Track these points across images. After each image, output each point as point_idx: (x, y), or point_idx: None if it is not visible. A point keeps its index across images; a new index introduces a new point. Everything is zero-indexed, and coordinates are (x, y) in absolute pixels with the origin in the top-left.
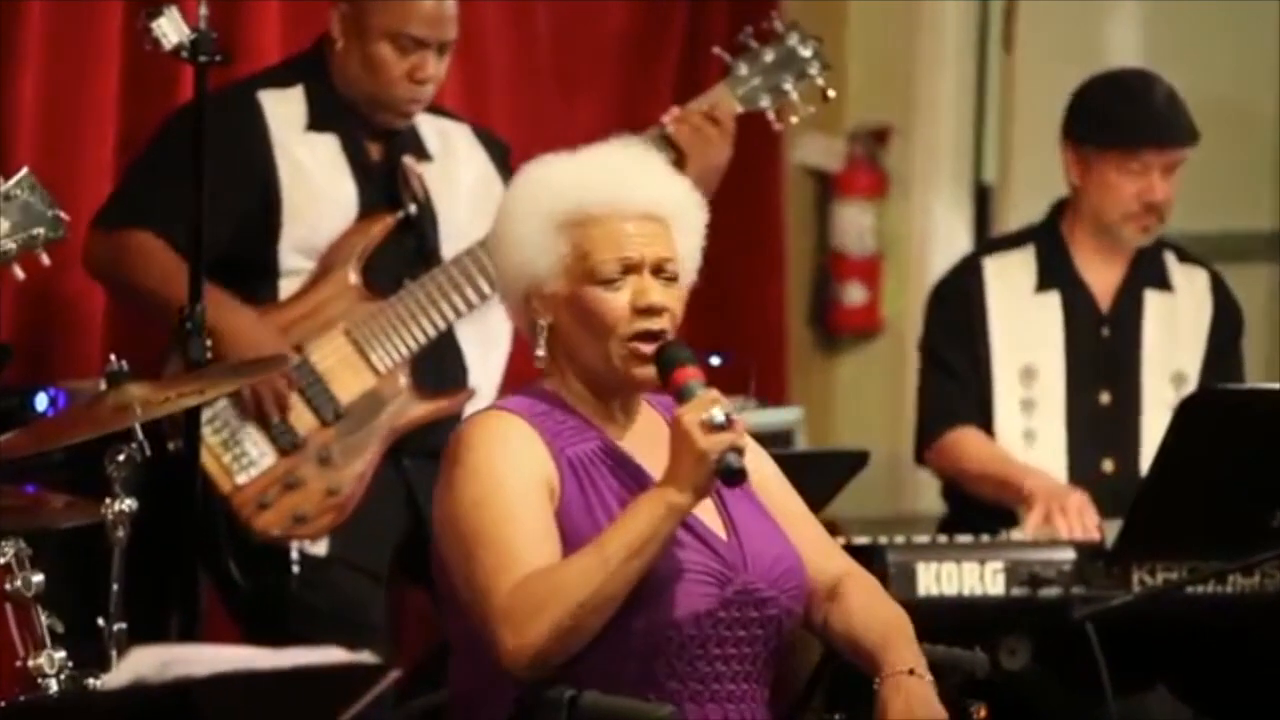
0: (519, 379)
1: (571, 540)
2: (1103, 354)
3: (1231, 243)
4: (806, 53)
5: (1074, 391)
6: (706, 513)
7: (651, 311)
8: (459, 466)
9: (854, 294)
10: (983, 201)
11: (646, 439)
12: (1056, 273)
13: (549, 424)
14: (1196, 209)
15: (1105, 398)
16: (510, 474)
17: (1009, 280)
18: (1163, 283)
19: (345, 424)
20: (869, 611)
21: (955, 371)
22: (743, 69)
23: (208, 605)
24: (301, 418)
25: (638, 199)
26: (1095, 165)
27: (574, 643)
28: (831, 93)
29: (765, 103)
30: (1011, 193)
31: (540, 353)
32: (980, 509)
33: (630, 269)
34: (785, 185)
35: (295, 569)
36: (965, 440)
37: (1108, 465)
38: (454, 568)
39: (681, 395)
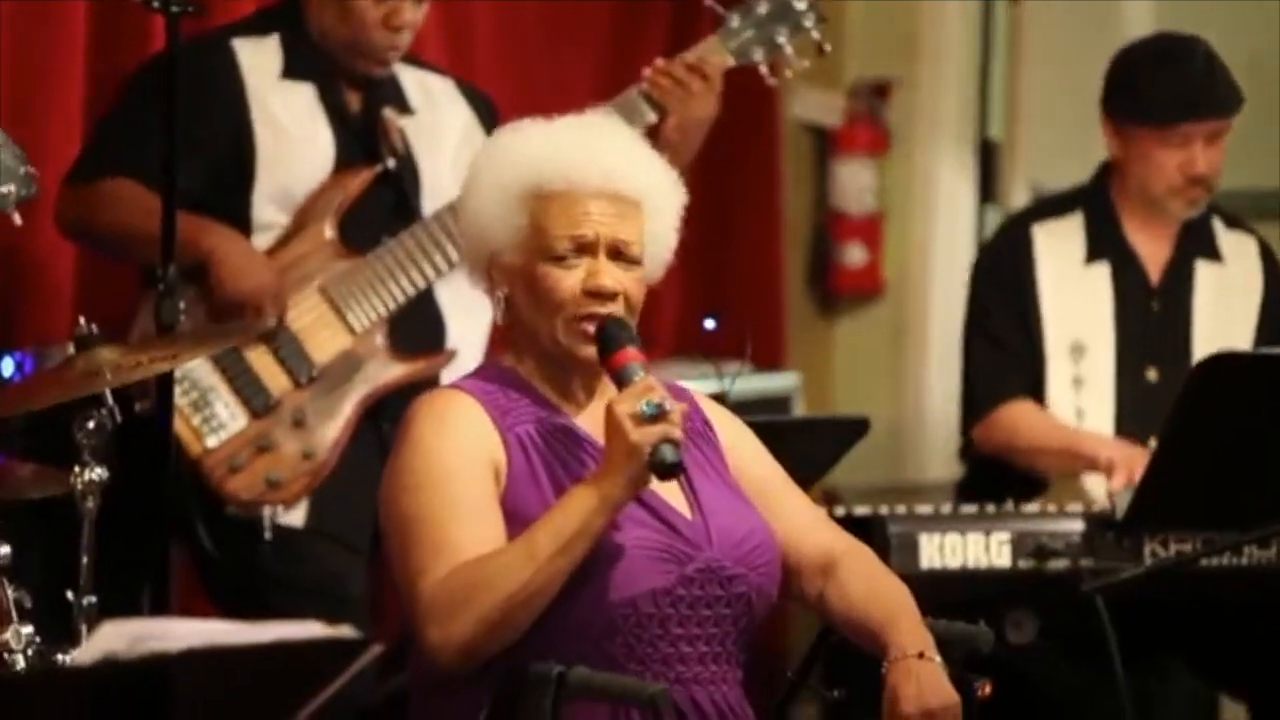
0: None
1: (519, 521)
2: (1152, 328)
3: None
4: (802, 5)
5: (1122, 368)
6: (670, 490)
7: (601, 294)
8: (404, 446)
9: (854, 255)
10: (988, 159)
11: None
12: (1106, 243)
13: (499, 401)
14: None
15: (1153, 375)
16: (452, 456)
17: (1058, 250)
18: (1213, 253)
19: (320, 385)
20: (869, 589)
21: (1005, 343)
22: (735, 21)
23: (181, 578)
24: (275, 378)
25: (600, 177)
26: (1134, 140)
27: (501, 637)
28: (827, 46)
29: (758, 56)
30: (1018, 150)
31: (499, 321)
32: (1000, 472)
33: (585, 248)
34: (782, 142)
35: (268, 536)
36: (1019, 414)
37: (1155, 444)
38: (391, 555)
39: (620, 379)
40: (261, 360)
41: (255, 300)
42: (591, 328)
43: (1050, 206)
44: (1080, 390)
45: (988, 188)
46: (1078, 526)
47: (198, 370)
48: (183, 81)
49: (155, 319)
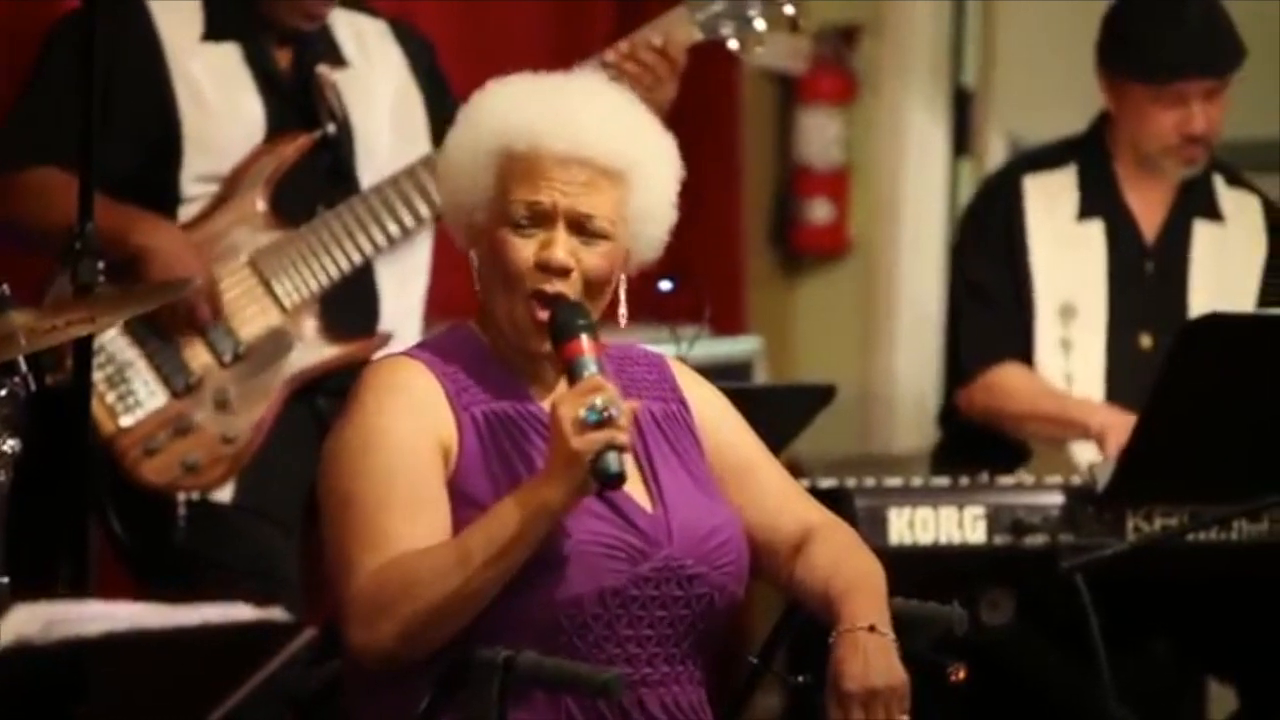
0: (441, 312)
1: (468, 507)
2: (1146, 292)
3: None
4: None
5: (1113, 333)
6: (631, 482)
7: (549, 269)
8: (346, 418)
9: (819, 211)
10: (962, 108)
11: None
12: (1100, 199)
13: (459, 377)
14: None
15: (1146, 341)
16: (399, 435)
17: (1050, 204)
18: (1212, 212)
19: (245, 365)
20: (834, 561)
21: (994, 300)
22: None
23: (102, 557)
24: (197, 356)
25: (567, 142)
26: (1129, 95)
27: (426, 644)
28: (802, 23)
29: (727, 30)
30: (994, 98)
31: (477, 286)
32: (981, 438)
33: (542, 217)
34: (741, 90)
35: (182, 523)
36: (1009, 377)
37: None
38: (325, 532)
39: (570, 372)
40: (184, 336)
41: (188, 298)
42: (543, 314)
43: (1043, 157)
44: (1069, 354)
45: (961, 139)
46: (1057, 500)
47: (115, 344)
48: (101, 49)
49: (71, 281)
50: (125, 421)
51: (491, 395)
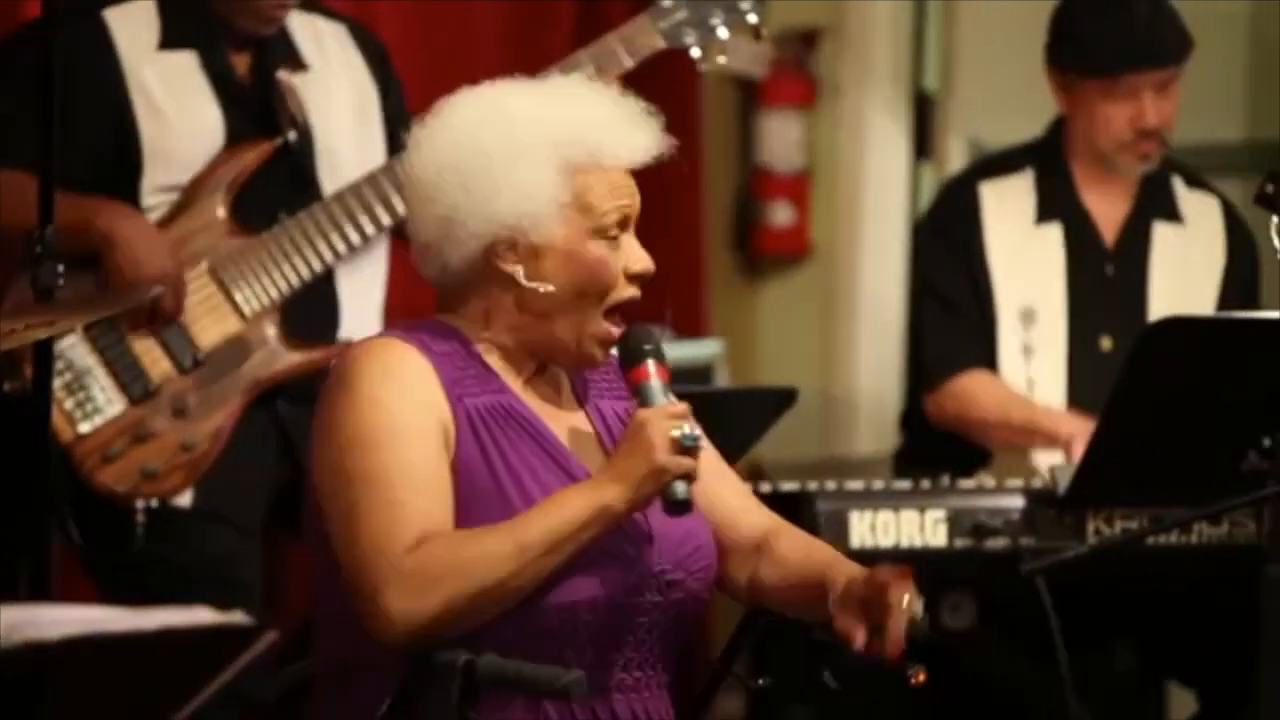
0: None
1: (470, 500)
2: (1105, 294)
3: (1201, 155)
4: None
5: (1074, 336)
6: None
7: (641, 278)
8: (346, 397)
9: (780, 214)
10: (923, 112)
11: (550, 403)
12: (1058, 202)
13: (449, 368)
14: None
15: (1106, 344)
16: (405, 413)
17: (1008, 209)
18: (1172, 214)
19: (204, 372)
20: (806, 550)
21: (957, 307)
22: (668, 0)
23: (62, 561)
24: (156, 363)
25: (640, 149)
26: (1080, 92)
27: (464, 625)
28: (765, 32)
29: (690, 39)
30: (956, 101)
31: (514, 305)
32: (944, 442)
33: (624, 226)
34: (703, 93)
35: (139, 531)
36: (976, 385)
37: None
38: (334, 514)
39: (642, 392)
40: (143, 343)
41: (156, 285)
42: (616, 331)
43: (999, 163)
44: (1030, 359)
45: (922, 143)
46: (1018, 503)
47: (75, 350)
48: (57, 60)
49: (32, 285)
50: (83, 428)
51: (479, 390)
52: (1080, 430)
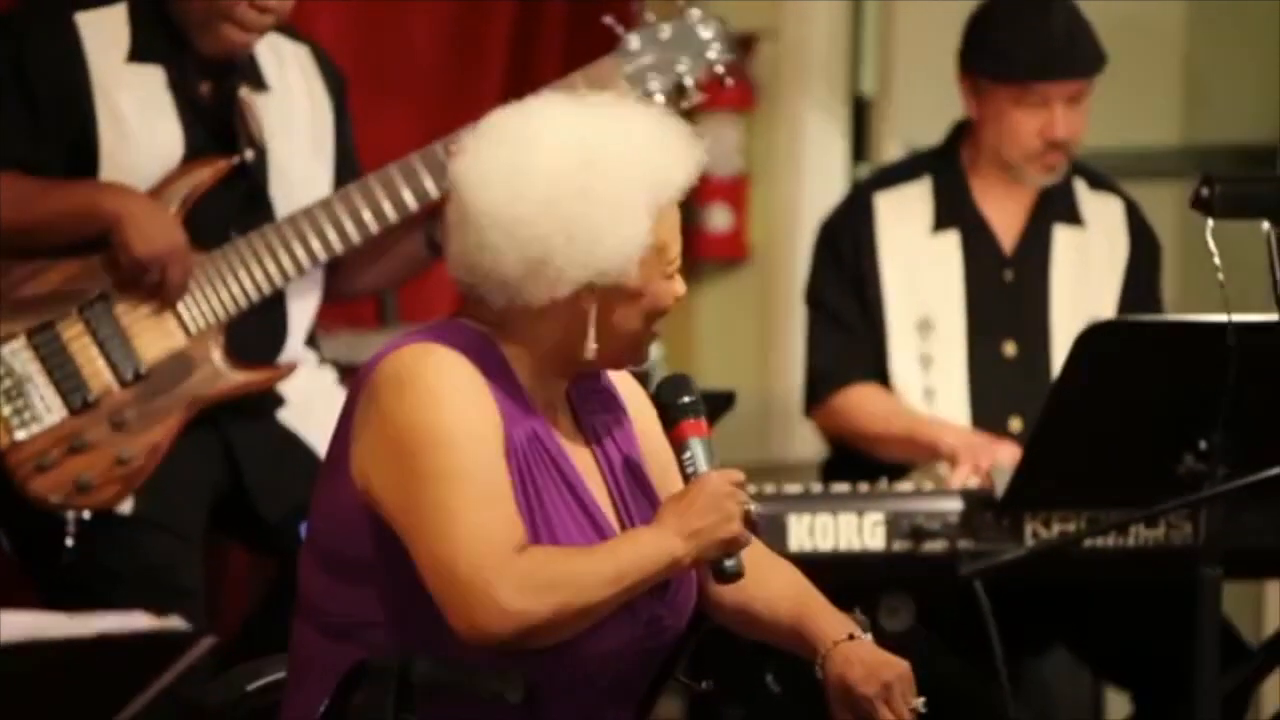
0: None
1: None
2: (1006, 300)
3: (1137, 159)
4: (707, 34)
5: (975, 343)
6: (610, 512)
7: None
8: (409, 396)
9: (718, 218)
10: (860, 115)
11: (568, 435)
12: (955, 210)
13: (496, 389)
14: (1100, 123)
15: (1010, 349)
16: (473, 416)
17: (903, 219)
18: (1073, 216)
19: (145, 386)
20: (774, 585)
21: (846, 321)
22: (635, 43)
23: (0, 566)
24: (97, 374)
25: (694, 174)
26: (991, 99)
27: (559, 634)
28: (730, 81)
29: (654, 86)
30: (893, 105)
31: (592, 345)
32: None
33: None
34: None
35: (70, 543)
36: (862, 398)
37: (1015, 424)
38: (413, 511)
39: (695, 448)
40: (85, 353)
41: (165, 260)
42: (656, 329)
43: (895, 173)
44: (929, 369)
45: (860, 147)
46: (956, 506)
47: (16, 357)
48: (23, 62)
49: None
50: (19, 436)
51: (517, 412)
52: (964, 442)
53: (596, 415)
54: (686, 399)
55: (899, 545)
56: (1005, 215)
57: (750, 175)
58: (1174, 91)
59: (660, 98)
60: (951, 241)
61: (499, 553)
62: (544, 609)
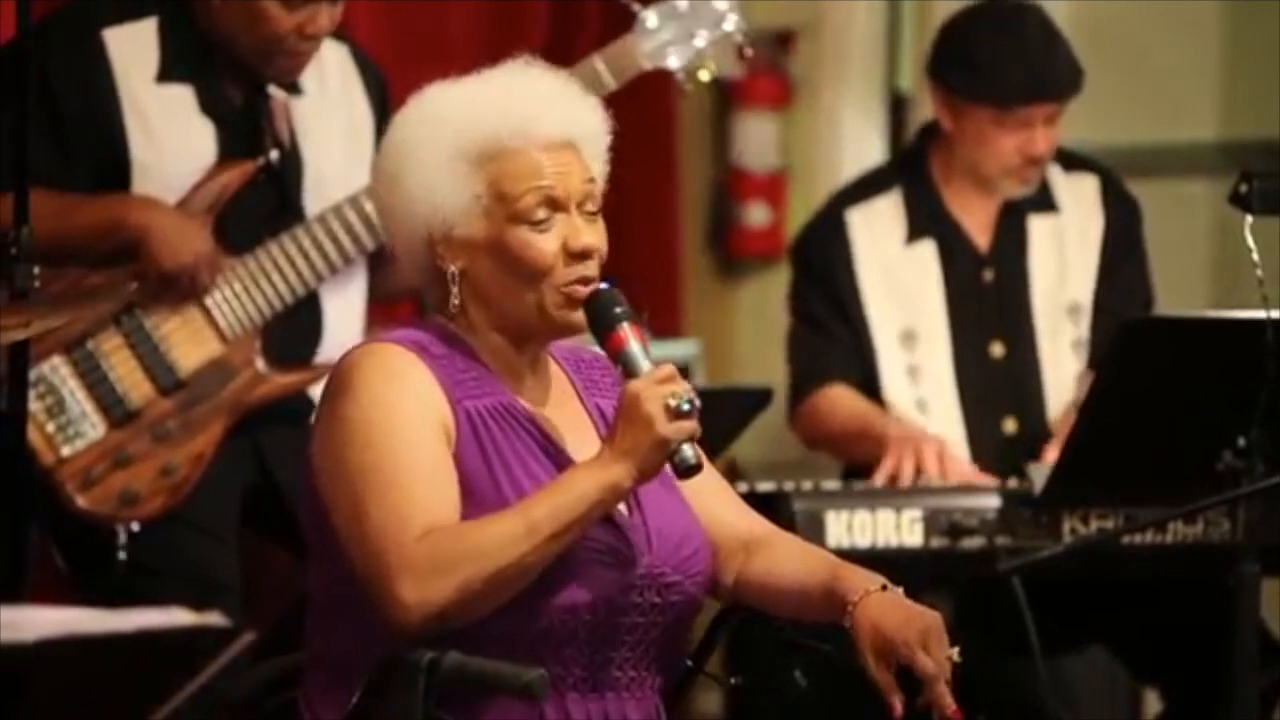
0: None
1: (468, 501)
2: (988, 301)
3: (1174, 155)
4: (723, 4)
5: (961, 349)
6: None
7: (586, 255)
8: (347, 400)
9: (756, 215)
10: (898, 111)
11: (553, 400)
12: (928, 218)
13: (448, 370)
14: (1136, 119)
15: (998, 350)
16: (407, 412)
17: (877, 234)
18: (1047, 204)
19: (185, 395)
20: (801, 554)
21: (821, 325)
22: (652, 20)
23: (38, 562)
24: (138, 385)
25: (551, 125)
26: (969, 116)
27: (476, 609)
28: (749, 51)
29: (674, 61)
30: (929, 101)
31: (455, 301)
32: None
33: (556, 206)
34: (678, 94)
35: (121, 555)
36: (832, 399)
37: (1009, 425)
38: (338, 509)
39: (623, 361)
40: (125, 365)
41: (194, 270)
42: (582, 290)
43: (863, 187)
44: (918, 380)
45: (897, 143)
46: (993, 502)
47: (56, 374)
48: (49, 77)
49: (7, 287)
50: (65, 452)
51: (479, 391)
52: (898, 435)
53: (604, 397)
54: (617, 310)
55: (936, 542)
56: (977, 215)
57: (788, 172)
58: (1211, 87)
59: (681, 73)
60: (928, 251)
61: (396, 547)
62: (445, 591)
